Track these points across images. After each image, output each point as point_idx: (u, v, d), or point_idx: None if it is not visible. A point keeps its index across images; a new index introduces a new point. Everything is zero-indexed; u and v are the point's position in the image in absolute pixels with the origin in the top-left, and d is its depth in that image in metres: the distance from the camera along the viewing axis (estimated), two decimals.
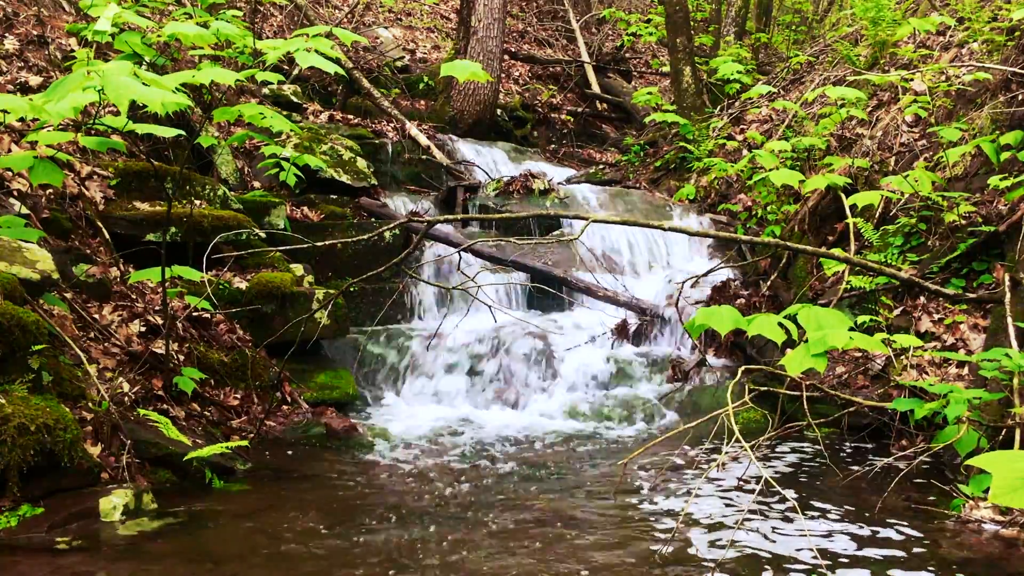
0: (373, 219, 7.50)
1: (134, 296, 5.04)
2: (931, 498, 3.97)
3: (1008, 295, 4.61)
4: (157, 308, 4.96)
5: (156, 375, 4.55)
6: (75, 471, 3.53)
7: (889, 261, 5.69)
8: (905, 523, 3.66)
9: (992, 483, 1.64)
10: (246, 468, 4.28)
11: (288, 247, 5.69)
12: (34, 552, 3.13)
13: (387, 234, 6.96)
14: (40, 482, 3.45)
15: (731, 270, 7.08)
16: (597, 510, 3.86)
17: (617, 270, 7.35)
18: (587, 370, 6.08)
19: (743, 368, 4.17)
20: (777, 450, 4.83)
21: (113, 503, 3.48)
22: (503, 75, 11.61)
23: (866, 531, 3.58)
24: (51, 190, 5.01)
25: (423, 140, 9.27)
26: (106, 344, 4.54)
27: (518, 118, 11.54)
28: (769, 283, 6.67)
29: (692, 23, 11.03)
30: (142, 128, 3.64)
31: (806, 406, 4.11)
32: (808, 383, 4.61)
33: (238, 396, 5.00)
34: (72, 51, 6.09)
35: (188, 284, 5.01)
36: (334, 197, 7.62)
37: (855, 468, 4.38)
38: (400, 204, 8.13)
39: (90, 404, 3.93)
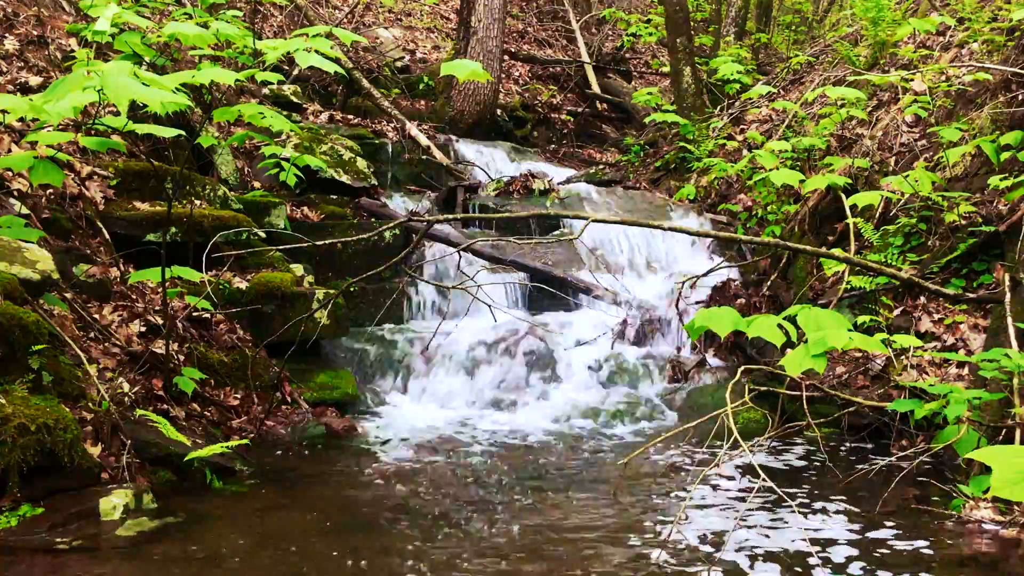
0: (373, 219, 7.49)
1: (134, 296, 5.04)
2: (931, 498, 3.97)
3: (1008, 295, 4.61)
4: (157, 308, 4.96)
5: (156, 375, 4.55)
6: (75, 471, 3.53)
7: (889, 261, 5.69)
8: (905, 523, 3.66)
9: (992, 476, 1.64)
10: (246, 468, 4.28)
11: (288, 247, 5.69)
12: (34, 552, 3.13)
13: (387, 234, 6.96)
14: (40, 482, 3.45)
15: (731, 270, 7.08)
16: (597, 510, 3.86)
17: (617, 270, 7.35)
18: (587, 370, 6.08)
19: (743, 368, 4.16)
20: (777, 450, 4.83)
21: (113, 503, 3.48)
22: (503, 75, 11.61)
23: (866, 531, 3.58)
24: (51, 190, 5.01)
25: (423, 140, 9.27)
26: (106, 344, 4.54)
27: (518, 118, 11.54)
28: (769, 283, 6.67)
29: (692, 23, 11.02)
30: (142, 128, 3.64)
31: (806, 406, 4.11)
32: (808, 383, 4.61)
33: (238, 396, 5.00)
34: (72, 51, 6.09)
35: (188, 284, 5.00)
36: (334, 197, 7.62)
37: (855, 468, 4.37)
38: (400, 204, 8.13)
39: (90, 404, 3.93)
